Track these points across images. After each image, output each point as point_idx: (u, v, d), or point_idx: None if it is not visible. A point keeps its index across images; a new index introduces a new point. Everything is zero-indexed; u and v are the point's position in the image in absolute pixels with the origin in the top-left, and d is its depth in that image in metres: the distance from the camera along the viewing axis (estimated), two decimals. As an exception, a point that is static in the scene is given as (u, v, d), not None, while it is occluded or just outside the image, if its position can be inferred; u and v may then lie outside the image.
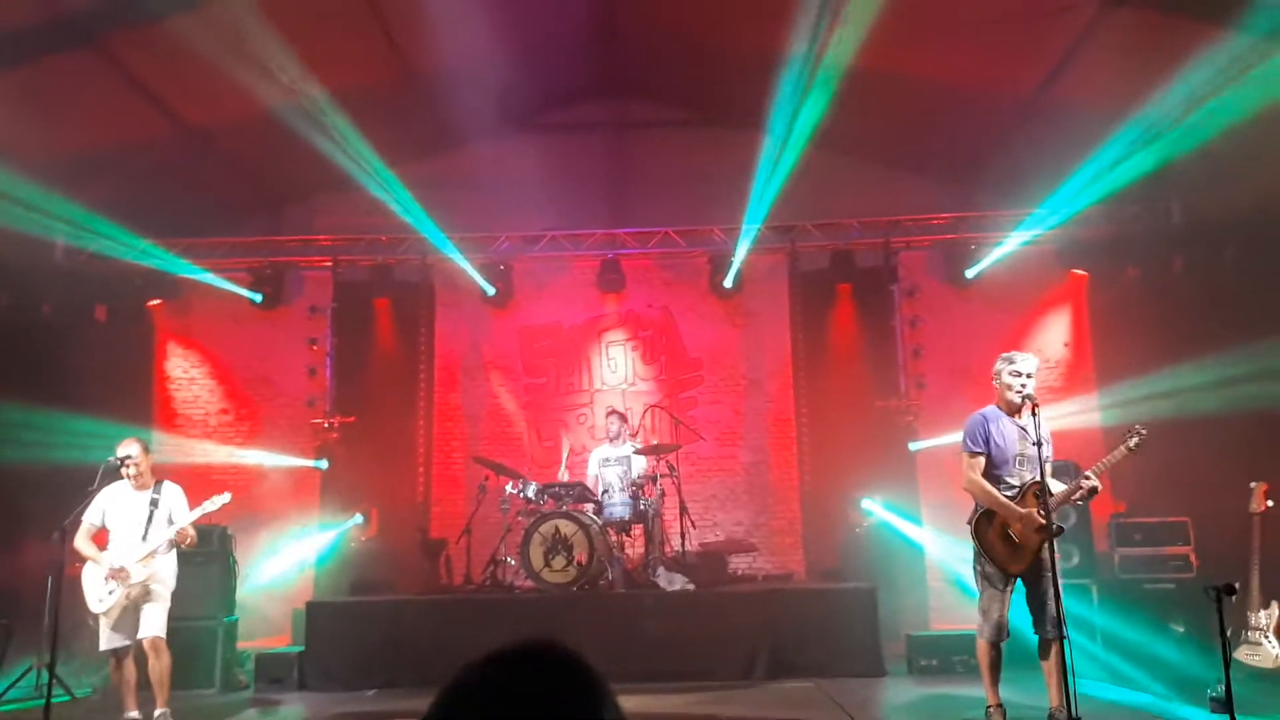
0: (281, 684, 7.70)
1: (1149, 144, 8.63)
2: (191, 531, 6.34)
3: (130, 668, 6.23)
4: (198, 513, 6.29)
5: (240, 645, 8.36)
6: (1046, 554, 5.04)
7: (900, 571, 9.72)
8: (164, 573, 6.28)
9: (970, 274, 10.50)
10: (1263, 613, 6.12)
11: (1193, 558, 7.58)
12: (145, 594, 6.18)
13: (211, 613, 7.82)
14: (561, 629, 7.52)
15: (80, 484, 6.31)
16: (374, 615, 7.97)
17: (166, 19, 7.83)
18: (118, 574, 6.11)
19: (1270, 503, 6.27)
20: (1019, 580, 5.17)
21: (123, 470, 6.25)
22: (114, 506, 6.30)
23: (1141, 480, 8.26)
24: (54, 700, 6.01)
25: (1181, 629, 7.12)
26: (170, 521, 6.27)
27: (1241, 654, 6.08)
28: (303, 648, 7.88)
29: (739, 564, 10.32)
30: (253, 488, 10.76)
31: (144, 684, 6.25)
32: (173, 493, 6.40)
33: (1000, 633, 5.15)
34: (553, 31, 10.31)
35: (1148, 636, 6.98)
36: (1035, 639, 5.17)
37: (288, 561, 10.36)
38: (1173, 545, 7.64)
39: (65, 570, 6.41)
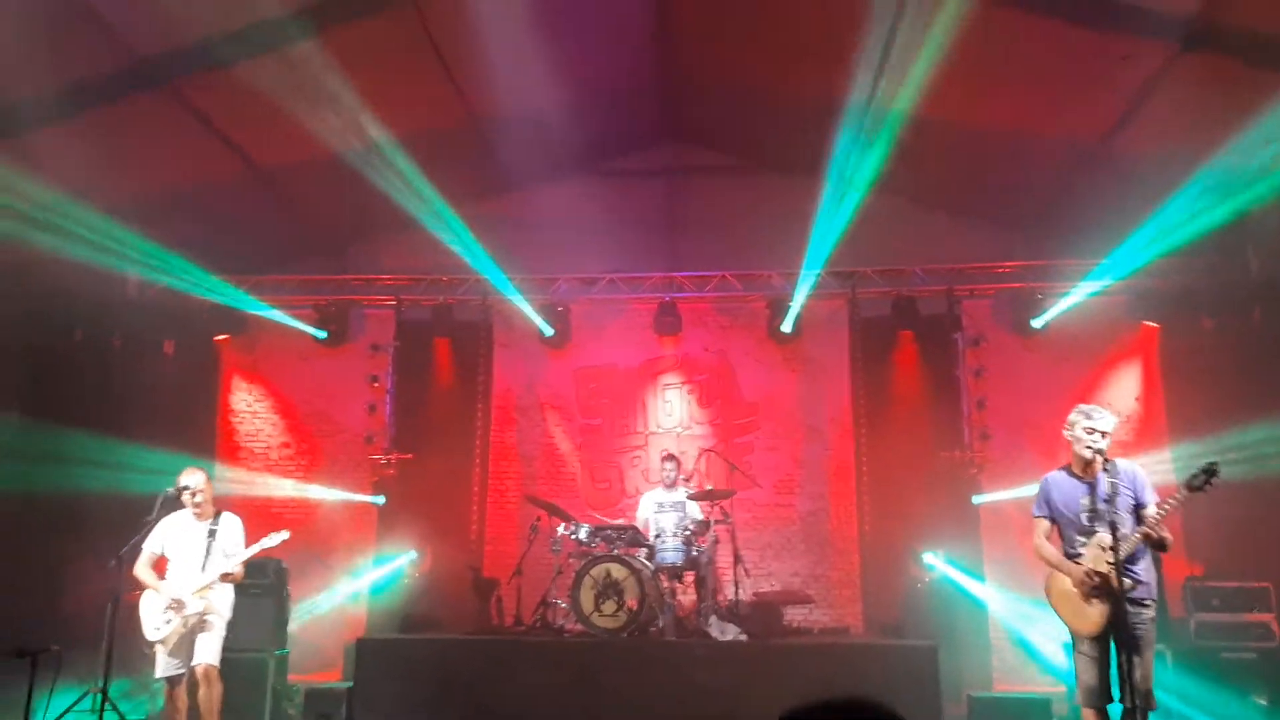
0: (330, 719, 7.68)
1: (1223, 194, 8.37)
2: (239, 570, 6.36)
3: (182, 697, 6.26)
4: (255, 549, 6.36)
5: (291, 678, 8.38)
6: (1138, 617, 4.78)
7: (962, 629, 9.39)
8: (220, 603, 6.34)
9: (1037, 324, 10.25)
10: (1352, 687, 5.77)
11: (1275, 626, 7.18)
12: (201, 624, 6.25)
13: (263, 645, 7.85)
14: (610, 675, 7.40)
15: (141, 513, 6.41)
16: (424, 654, 7.91)
17: (237, 64, 8.07)
18: (175, 605, 6.18)
19: (1359, 569, 5.93)
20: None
21: (184, 498, 6.34)
22: (174, 536, 6.38)
23: (1219, 542, 7.90)
24: (107, 727, 6.06)
25: (1265, 701, 6.73)
26: (226, 555, 6.33)
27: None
28: (352, 684, 7.86)
29: (794, 616, 10.08)
30: (311, 522, 10.86)
31: (196, 713, 6.26)
32: (231, 525, 6.47)
33: (1093, 698, 4.88)
34: (612, 78, 10.43)
35: (1227, 708, 6.61)
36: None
37: (342, 595, 10.41)
38: (1253, 612, 7.25)
39: (123, 597, 6.50)
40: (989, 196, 10.79)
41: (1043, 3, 7.72)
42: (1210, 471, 4.55)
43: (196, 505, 6.36)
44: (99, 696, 6.13)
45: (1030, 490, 9.25)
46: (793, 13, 8.81)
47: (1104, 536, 4.73)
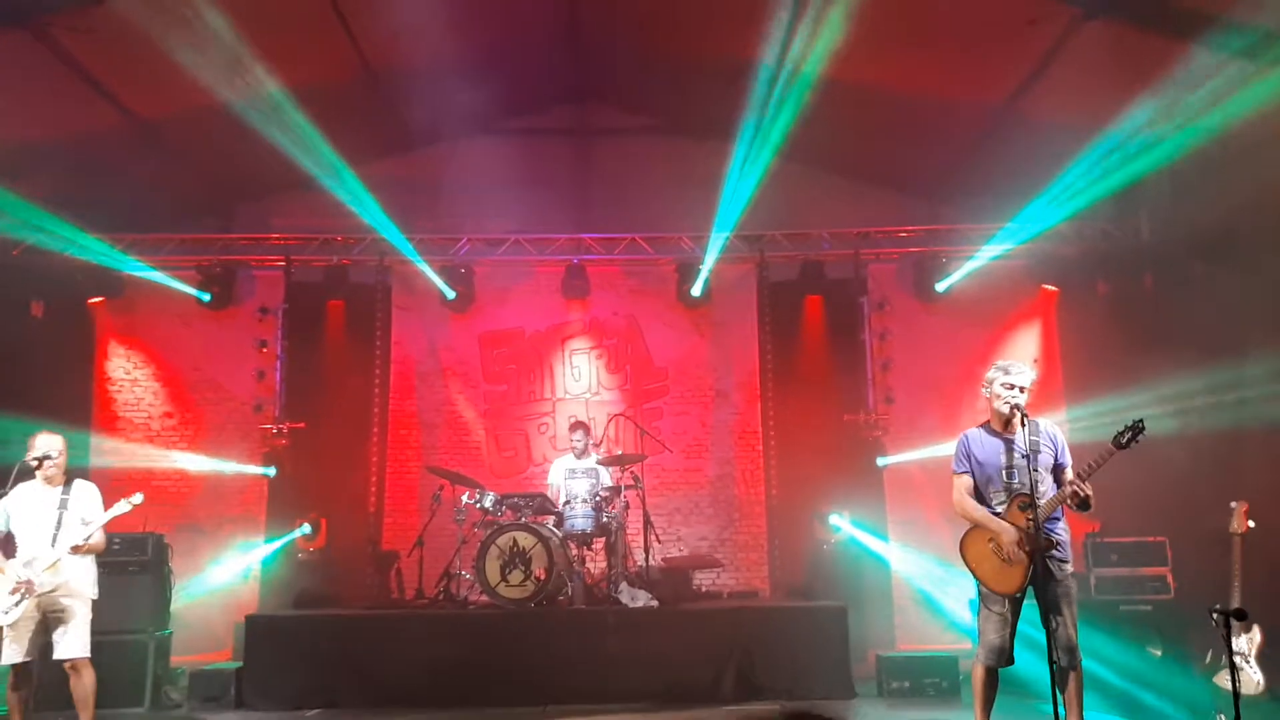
0: (217, 702, 7.31)
1: (1119, 160, 8.55)
2: (100, 537, 5.82)
3: (25, 691, 5.70)
4: (109, 516, 5.77)
5: (178, 660, 7.93)
6: (1058, 574, 4.78)
7: (867, 589, 9.53)
8: (78, 582, 5.75)
9: (940, 287, 10.37)
10: (1244, 637, 5.94)
11: (1170, 579, 7.40)
12: (59, 611, 5.68)
13: (142, 626, 7.36)
14: (517, 647, 7.20)
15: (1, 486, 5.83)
16: (318, 630, 7.57)
17: (110, 1, 7.43)
18: (23, 586, 5.58)
19: (1251, 523, 6.08)
20: (1029, 604, 4.86)
21: (41, 464, 5.74)
22: (19, 508, 5.77)
23: (1116, 499, 8.06)
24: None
25: (1159, 652, 6.93)
26: (84, 524, 5.77)
27: (1222, 679, 5.89)
28: (241, 664, 7.46)
29: (703, 580, 10.04)
30: (196, 495, 10.35)
31: (66, 704, 5.82)
32: (85, 492, 5.88)
33: (995, 657, 4.85)
34: (518, 35, 10.10)
35: (1125, 660, 6.77)
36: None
37: (231, 572, 9.97)
38: (1150, 566, 7.47)
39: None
40: (894, 161, 10.83)
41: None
42: (1136, 429, 4.56)
43: (51, 471, 5.77)
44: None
45: (933, 452, 9.58)
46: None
47: (1024, 494, 4.70)
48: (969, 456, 5.01)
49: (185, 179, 10.50)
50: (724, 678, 7.07)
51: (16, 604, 5.58)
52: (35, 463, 5.74)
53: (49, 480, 5.83)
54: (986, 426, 5.07)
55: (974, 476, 5.00)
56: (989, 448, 4.97)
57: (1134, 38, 7.73)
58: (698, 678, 7.10)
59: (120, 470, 9.84)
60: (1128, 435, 4.55)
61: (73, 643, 5.70)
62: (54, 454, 5.82)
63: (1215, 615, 3.88)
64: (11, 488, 5.72)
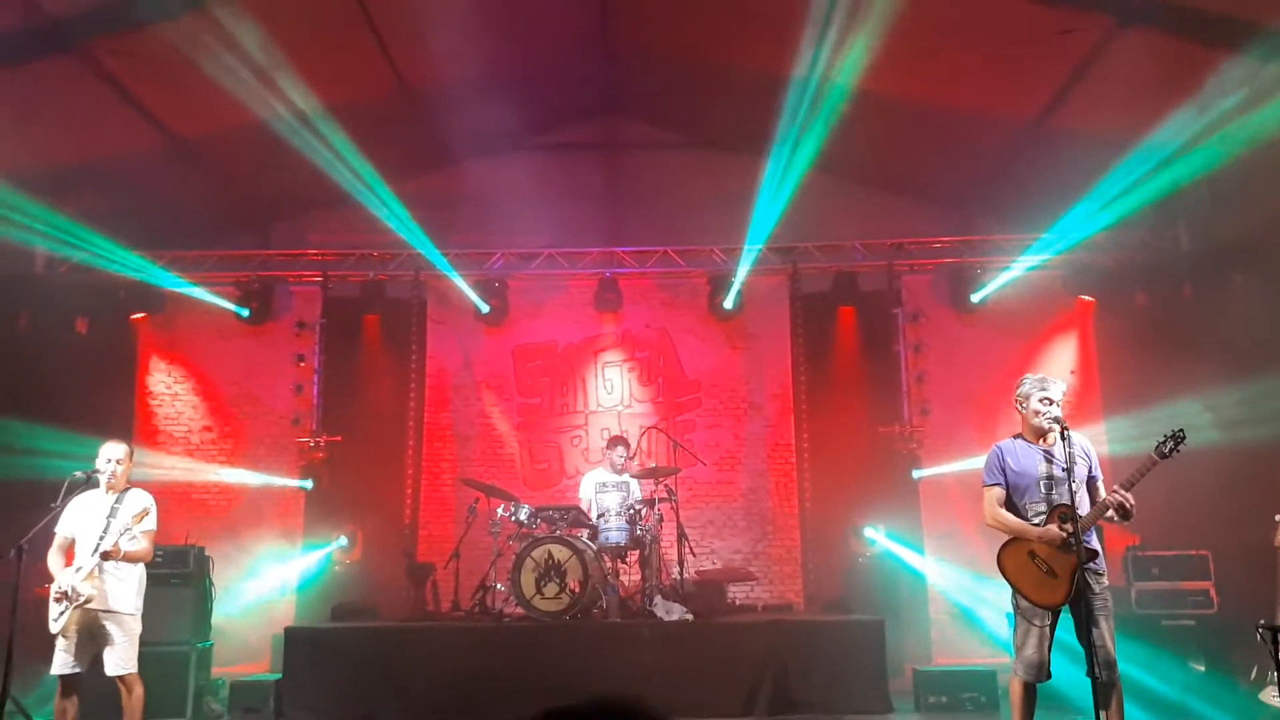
0: (257, 713, 7.38)
1: (1157, 169, 8.46)
2: (142, 546, 5.70)
3: (73, 703, 5.68)
4: (137, 529, 5.66)
5: (216, 671, 8.02)
6: (1096, 587, 4.73)
7: (903, 603, 9.48)
8: (117, 598, 5.62)
9: (975, 299, 10.30)
10: (1290, 652, 5.84)
11: (1213, 593, 7.29)
12: (101, 628, 5.63)
13: (184, 638, 7.45)
14: (553, 660, 7.22)
15: (50, 500, 5.92)
16: (356, 642, 7.64)
17: (151, 26, 7.60)
18: (64, 595, 5.54)
19: (1294, 537, 5.97)
20: (1069, 617, 4.82)
21: (99, 465, 5.71)
22: (79, 516, 5.74)
23: (1157, 512, 7.98)
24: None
25: (1202, 668, 6.82)
26: (123, 532, 5.65)
27: (1267, 695, 5.80)
28: (281, 675, 7.54)
29: (737, 593, 10.01)
30: (235, 508, 10.48)
31: (115, 715, 5.82)
32: (133, 500, 5.78)
33: (1035, 672, 4.80)
34: (550, 51, 10.18)
35: (1168, 675, 6.67)
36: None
37: (269, 584, 10.07)
38: (1192, 580, 7.35)
39: (35, 591, 6.04)
40: (927, 172, 10.80)
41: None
42: (1178, 438, 4.53)
43: (112, 476, 5.72)
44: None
45: (969, 465, 9.50)
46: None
47: (1065, 506, 4.66)
48: (1002, 469, 4.97)
49: (224, 196, 10.67)
50: (759, 692, 7.04)
51: (61, 613, 5.55)
52: (85, 476, 5.70)
53: (110, 487, 5.78)
54: (1021, 437, 5.03)
55: (1006, 488, 4.95)
56: (1025, 459, 4.92)
57: (1171, 46, 7.67)
58: (733, 692, 7.08)
59: (161, 483, 9.96)
60: (1170, 444, 4.52)
61: (119, 659, 5.66)
62: (114, 455, 5.78)
63: (1262, 630, 3.79)
64: (63, 500, 5.72)
